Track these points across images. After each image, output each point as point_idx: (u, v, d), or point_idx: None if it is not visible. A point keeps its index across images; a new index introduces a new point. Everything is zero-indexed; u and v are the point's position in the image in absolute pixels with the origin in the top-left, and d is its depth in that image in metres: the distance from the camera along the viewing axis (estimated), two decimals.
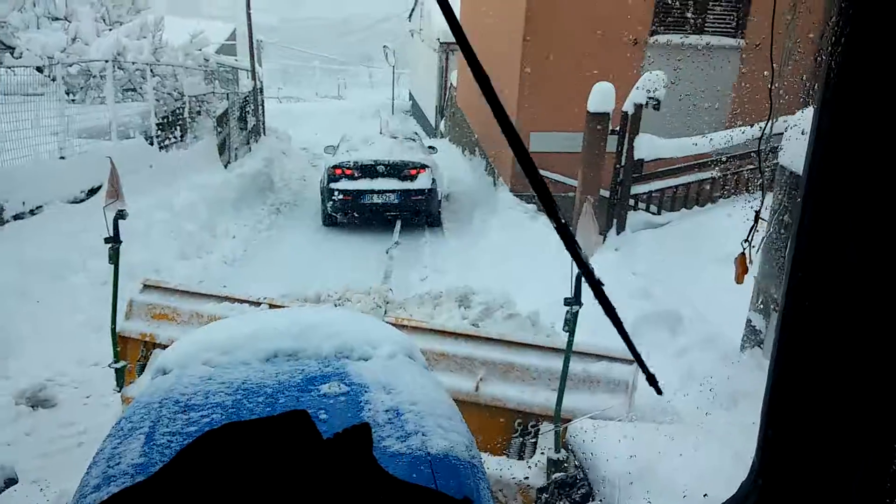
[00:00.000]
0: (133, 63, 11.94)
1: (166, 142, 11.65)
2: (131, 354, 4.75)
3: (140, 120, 11.27)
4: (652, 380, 1.02)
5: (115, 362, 4.50)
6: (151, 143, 10.81)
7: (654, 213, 8.61)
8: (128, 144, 9.88)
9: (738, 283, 3.04)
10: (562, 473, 3.56)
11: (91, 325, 6.53)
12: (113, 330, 4.50)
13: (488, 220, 10.82)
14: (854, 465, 0.87)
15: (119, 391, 4.57)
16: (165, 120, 12.08)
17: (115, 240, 4.21)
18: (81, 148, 8.87)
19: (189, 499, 0.62)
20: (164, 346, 4.05)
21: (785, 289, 0.88)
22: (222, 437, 0.65)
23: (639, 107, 7.88)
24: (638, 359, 0.99)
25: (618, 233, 8.45)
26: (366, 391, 2.02)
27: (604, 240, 8.50)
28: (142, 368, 4.68)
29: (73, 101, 11.45)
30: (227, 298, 4.83)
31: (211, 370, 2.20)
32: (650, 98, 7.71)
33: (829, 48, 0.78)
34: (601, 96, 8.04)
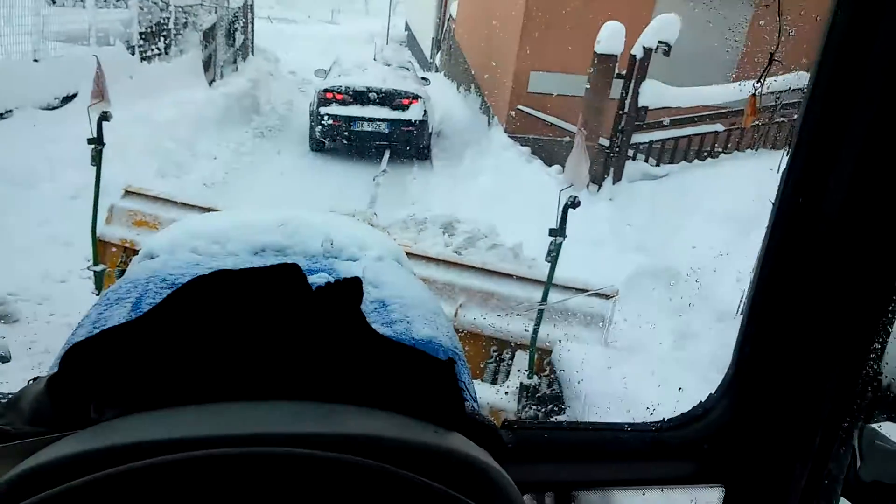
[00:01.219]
0: None
1: (148, 53, 11.09)
2: (111, 259, 4.70)
3: (122, 28, 10.69)
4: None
5: (95, 265, 4.48)
6: (133, 53, 10.27)
7: (652, 165, 8.32)
8: (107, 52, 9.32)
9: (745, 125, 3.03)
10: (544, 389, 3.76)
11: (59, 240, 6.19)
12: (93, 233, 4.46)
13: (480, 161, 10.47)
14: (828, 369, 0.88)
15: (98, 293, 4.50)
16: (149, 30, 11.48)
17: (98, 141, 4.16)
18: (57, 52, 8.34)
19: (176, 335, 0.63)
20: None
21: (779, 189, 0.89)
22: (212, 282, 0.63)
23: (648, 51, 7.50)
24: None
25: (614, 182, 8.18)
26: None
27: (599, 188, 8.23)
28: (121, 273, 4.51)
29: (53, 2, 10.83)
30: (209, 209, 4.70)
31: (199, 257, 2.17)
32: (661, 42, 7.33)
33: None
34: (610, 36, 7.65)
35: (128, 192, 4.99)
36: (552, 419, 3.65)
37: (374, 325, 1.42)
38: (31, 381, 0.72)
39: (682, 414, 1.03)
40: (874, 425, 0.91)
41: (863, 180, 0.82)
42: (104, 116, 4.13)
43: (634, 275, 5.08)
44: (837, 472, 0.92)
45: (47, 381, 0.66)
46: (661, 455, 1.00)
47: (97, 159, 4.22)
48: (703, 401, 1.02)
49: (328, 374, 0.65)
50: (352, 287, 0.67)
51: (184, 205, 4.87)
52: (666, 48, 7.34)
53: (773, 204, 0.91)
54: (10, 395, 0.75)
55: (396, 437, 0.60)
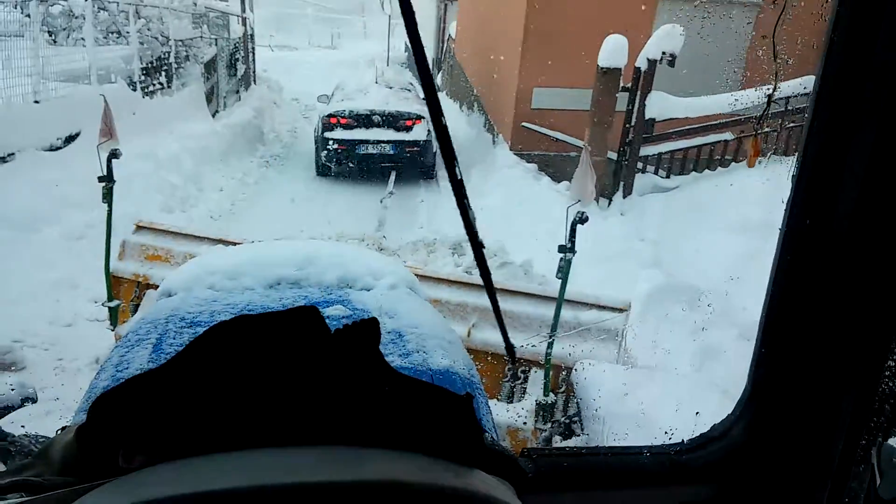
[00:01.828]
0: (118, 4, 11.29)
1: (150, 88, 11.07)
2: (125, 294, 4.74)
3: (123, 64, 10.68)
4: (510, 350, 1.03)
5: (109, 301, 4.54)
6: (134, 89, 10.24)
7: (662, 177, 8.19)
8: (109, 89, 9.27)
9: (749, 166, 2.93)
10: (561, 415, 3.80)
11: (64, 283, 6.10)
12: (107, 269, 4.52)
13: (487, 179, 10.36)
14: (843, 388, 0.88)
15: (113, 329, 4.57)
16: (150, 65, 11.48)
17: (108, 178, 4.21)
18: (58, 92, 8.31)
19: (200, 382, 0.64)
20: (158, 287, 4.09)
21: (787, 209, 0.89)
22: (233, 327, 0.65)
23: (653, 62, 7.40)
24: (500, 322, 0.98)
25: (624, 196, 8.05)
26: (368, 315, 1.93)
27: (609, 203, 8.11)
28: (135, 308, 4.66)
29: (54, 42, 10.85)
30: (221, 241, 4.77)
31: (216, 293, 2.19)
32: (665, 53, 7.23)
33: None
34: (613, 50, 7.55)
35: (139, 227, 5.00)
36: (571, 441, 3.64)
37: (390, 357, 1.53)
38: (59, 431, 0.74)
39: (701, 435, 1.03)
40: (892, 442, 0.89)
41: (869, 200, 0.81)
42: (114, 154, 4.16)
43: (652, 293, 4.93)
44: (858, 491, 0.91)
45: (76, 431, 0.67)
46: (680, 479, 0.99)
47: (108, 196, 4.28)
48: (720, 421, 1.02)
49: (350, 416, 0.66)
50: (369, 328, 0.67)
51: (195, 237, 4.90)
52: (671, 58, 7.24)
53: (781, 227, 0.90)
54: (29, 437, 0.79)
55: (418, 481, 0.61)
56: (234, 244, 4.63)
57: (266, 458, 0.62)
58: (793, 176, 0.90)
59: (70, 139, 7.93)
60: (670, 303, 4.81)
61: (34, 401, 1.42)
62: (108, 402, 0.64)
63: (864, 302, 0.84)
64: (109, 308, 4.56)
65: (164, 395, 0.64)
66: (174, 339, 1.85)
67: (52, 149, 7.77)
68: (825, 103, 0.83)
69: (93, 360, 5.00)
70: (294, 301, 2.14)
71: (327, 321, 0.65)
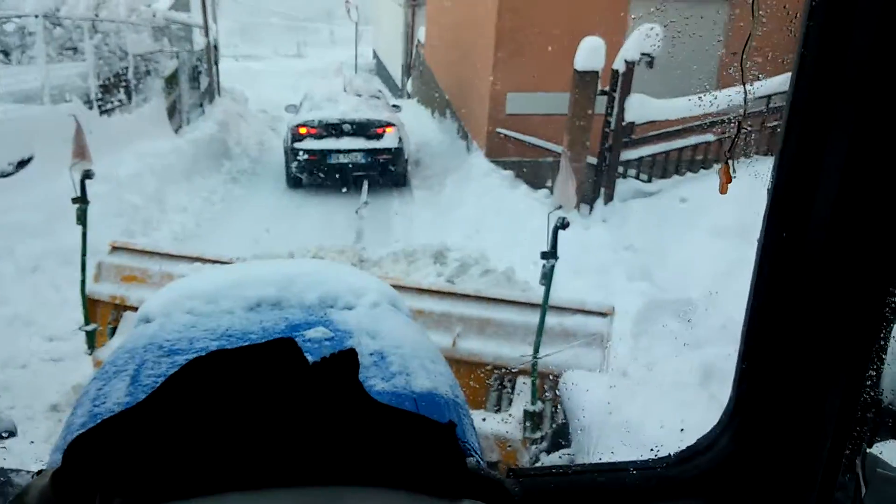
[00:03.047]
0: (73, 20, 10.82)
1: (108, 105, 10.63)
2: (102, 317, 4.68)
3: (80, 82, 10.25)
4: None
5: (86, 325, 4.49)
6: (91, 107, 9.79)
7: (644, 181, 7.96)
8: (63, 109, 8.84)
9: (721, 192, 2.74)
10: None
11: (18, 319, 5.70)
12: (83, 292, 4.48)
13: (463, 188, 10.06)
14: (825, 401, 0.89)
15: (90, 353, 4.51)
16: (108, 81, 11.04)
17: (82, 200, 4.20)
18: (8, 114, 7.86)
19: (177, 422, 0.63)
20: (136, 309, 4.03)
21: (764, 223, 0.90)
22: (210, 362, 0.63)
23: (631, 64, 7.17)
24: None
25: (605, 203, 7.81)
26: (350, 336, 2.03)
27: (590, 210, 7.87)
28: (112, 331, 4.58)
29: (8, 61, 10.37)
30: (198, 259, 4.74)
31: (195, 318, 2.15)
32: (644, 55, 7.00)
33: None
34: (590, 53, 7.31)
35: (115, 248, 4.92)
36: (557, 453, 3.64)
37: (373, 381, 1.54)
38: (35, 476, 0.72)
39: (687, 448, 1.03)
40: (877, 451, 0.90)
41: (845, 211, 0.82)
42: (87, 175, 4.15)
43: (645, 308, 4.69)
44: (843, 500, 0.91)
45: (52, 475, 0.66)
46: (668, 493, 0.99)
47: (82, 218, 4.25)
48: (705, 434, 1.02)
49: (330, 454, 0.66)
50: (347, 359, 0.66)
51: (172, 256, 4.81)
52: (649, 60, 7.01)
53: (759, 240, 0.90)
54: (11, 472, 0.82)
55: None
56: (213, 262, 4.61)
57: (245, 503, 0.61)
58: (768, 189, 0.90)
59: (22, 164, 7.50)
60: (663, 318, 4.57)
61: (14, 434, 1.39)
62: (84, 444, 0.63)
63: (843, 312, 0.85)
64: (87, 332, 4.48)
65: (140, 436, 0.63)
66: (152, 369, 1.80)
67: (3, 175, 7.33)
68: (797, 116, 0.83)
69: (49, 406, 4.62)
70: (275, 324, 2.09)
71: (309, 343, 0.73)
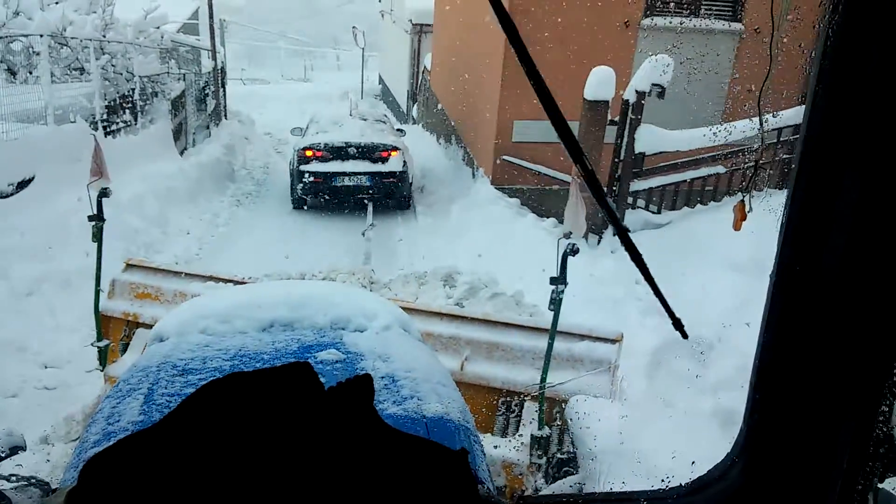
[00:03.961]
0: (80, 40, 10.79)
1: (114, 127, 10.58)
2: (114, 334, 4.74)
3: (86, 102, 10.19)
4: (677, 324, 1.08)
5: (99, 341, 4.53)
6: (96, 128, 9.71)
7: (653, 212, 7.84)
8: (68, 130, 8.78)
9: (735, 229, 2.68)
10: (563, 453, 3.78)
11: (12, 345, 5.55)
12: (96, 308, 4.52)
13: (468, 216, 9.95)
14: (837, 435, 0.87)
15: (102, 370, 4.56)
16: (114, 102, 10.99)
17: (98, 217, 4.27)
18: (10, 134, 7.77)
19: (193, 445, 0.62)
20: (149, 326, 4.13)
21: (777, 257, 0.90)
22: (226, 386, 0.63)
23: (641, 94, 7.08)
24: (662, 301, 1.06)
25: (614, 234, 7.67)
26: (362, 359, 2.04)
27: (599, 240, 7.73)
28: (125, 348, 4.64)
29: (14, 80, 10.32)
30: (210, 278, 4.76)
31: (208, 338, 2.17)
32: (654, 85, 6.91)
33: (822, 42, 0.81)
34: (600, 82, 7.22)
35: (129, 265, 4.97)
36: (565, 481, 3.59)
37: (384, 405, 1.71)
38: (51, 495, 0.76)
39: (698, 478, 1.02)
40: (889, 486, 0.87)
41: (859, 245, 0.81)
42: (104, 193, 4.22)
43: (662, 347, 4.53)
44: None
45: (67, 494, 0.67)
46: None
47: (98, 235, 4.32)
48: (717, 465, 1.01)
49: (346, 479, 0.65)
50: (363, 385, 0.66)
51: (186, 275, 4.85)
52: (660, 90, 6.92)
53: (772, 274, 0.90)
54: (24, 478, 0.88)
55: None
56: (227, 281, 4.67)
57: None
58: (781, 223, 0.89)
59: (22, 185, 7.40)
60: (681, 357, 4.41)
61: (23, 449, 1.36)
62: (99, 464, 0.63)
63: (856, 346, 0.84)
64: (99, 348, 4.54)
65: (156, 457, 0.62)
66: (166, 388, 1.82)
67: (3, 196, 7.22)
68: (811, 150, 0.83)
69: (39, 439, 4.45)
70: (287, 345, 2.11)
71: (321, 365, 0.81)
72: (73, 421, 4.61)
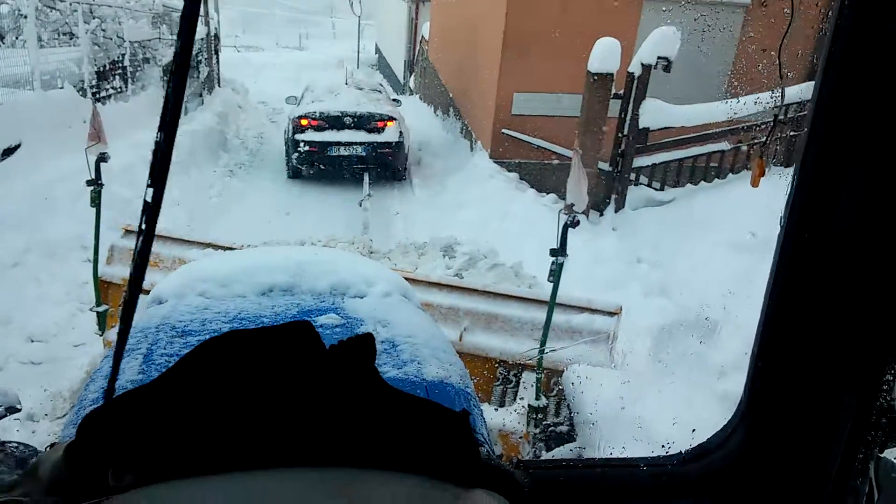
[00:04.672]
0: (69, 3, 10.47)
1: (103, 93, 10.30)
2: (113, 299, 4.70)
3: (75, 68, 9.90)
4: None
5: (98, 306, 4.51)
6: (84, 95, 9.45)
7: (656, 189, 7.67)
8: (55, 96, 8.53)
9: (753, 185, 2.54)
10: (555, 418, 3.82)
11: None
12: (95, 273, 4.50)
13: (466, 190, 9.76)
14: (840, 404, 0.88)
15: (101, 335, 4.57)
16: (104, 68, 10.70)
17: (96, 182, 4.23)
18: None
19: (192, 399, 0.62)
20: (147, 292, 3.98)
21: (784, 223, 0.88)
22: (225, 343, 0.62)
23: (647, 67, 6.87)
24: None
25: (616, 210, 7.52)
26: (361, 324, 2.02)
27: (601, 216, 7.57)
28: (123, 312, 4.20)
29: (2, 44, 10.04)
30: (210, 245, 4.76)
31: (207, 301, 2.16)
32: (660, 58, 6.70)
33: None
34: (605, 54, 7.00)
35: (128, 231, 4.91)
36: (564, 447, 3.64)
37: (385, 368, 1.85)
38: (48, 448, 0.72)
39: (698, 445, 1.03)
40: (891, 456, 0.88)
41: (868, 215, 0.81)
42: (102, 157, 4.16)
43: (665, 328, 4.40)
44: None
45: (65, 449, 0.66)
46: (678, 491, 0.99)
47: (97, 200, 4.29)
48: (717, 432, 1.02)
49: (345, 436, 0.65)
50: (364, 344, 0.66)
51: (184, 241, 4.81)
52: (665, 63, 6.72)
53: (778, 240, 0.89)
54: (21, 446, 0.84)
55: None
56: (225, 248, 4.63)
57: (260, 483, 0.61)
58: (791, 187, 0.87)
59: (8, 152, 7.17)
60: (685, 338, 4.28)
61: (18, 409, 1.32)
62: (98, 419, 0.63)
63: (861, 316, 0.83)
64: (98, 313, 4.52)
65: (154, 412, 0.62)
66: (165, 348, 1.83)
67: None
68: (823, 118, 0.81)
69: (26, 415, 4.30)
70: (286, 309, 2.11)
71: (320, 330, 0.62)
72: (60, 397, 4.47)
